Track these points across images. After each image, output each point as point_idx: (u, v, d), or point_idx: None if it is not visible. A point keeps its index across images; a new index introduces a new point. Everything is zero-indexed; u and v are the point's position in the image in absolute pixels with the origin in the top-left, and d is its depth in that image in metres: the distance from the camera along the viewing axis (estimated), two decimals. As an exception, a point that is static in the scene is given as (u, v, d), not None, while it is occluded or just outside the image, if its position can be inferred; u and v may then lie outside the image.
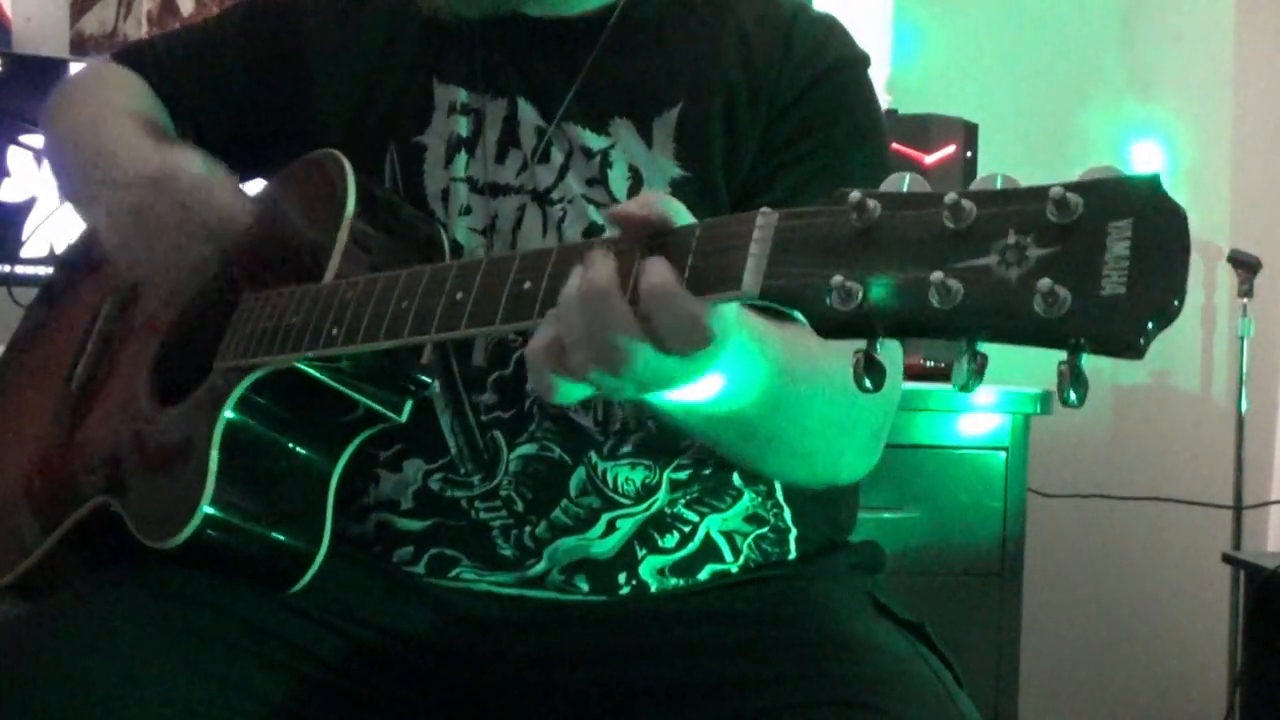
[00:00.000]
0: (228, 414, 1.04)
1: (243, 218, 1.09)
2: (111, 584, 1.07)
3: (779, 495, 1.15)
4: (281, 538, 1.06)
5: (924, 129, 2.40)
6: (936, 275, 0.63)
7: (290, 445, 1.07)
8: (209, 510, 1.02)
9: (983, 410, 2.23)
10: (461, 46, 1.17)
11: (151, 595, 1.05)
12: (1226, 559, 2.44)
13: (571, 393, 0.81)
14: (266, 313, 1.05)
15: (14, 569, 1.22)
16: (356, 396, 1.05)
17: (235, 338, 1.07)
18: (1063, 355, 0.62)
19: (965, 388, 0.65)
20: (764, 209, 0.73)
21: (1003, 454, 2.24)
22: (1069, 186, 0.62)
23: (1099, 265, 0.60)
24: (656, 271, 0.76)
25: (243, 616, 1.05)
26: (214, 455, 1.03)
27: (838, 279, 0.67)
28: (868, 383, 0.69)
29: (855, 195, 0.68)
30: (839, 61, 1.15)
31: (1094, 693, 2.83)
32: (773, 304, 0.71)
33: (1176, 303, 0.59)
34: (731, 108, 1.13)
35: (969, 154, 2.40)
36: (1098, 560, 2.83)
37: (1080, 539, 2.79)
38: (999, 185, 0.65)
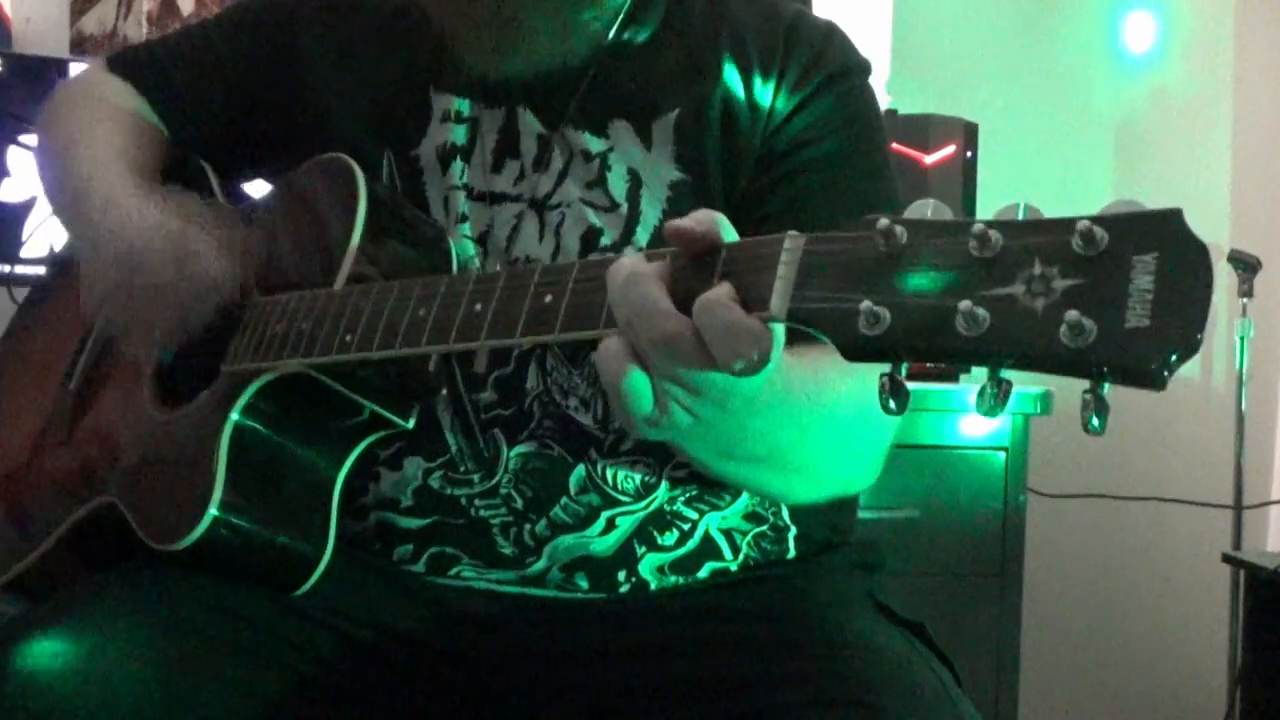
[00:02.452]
0: (236, 417, 1.04)
1: (218, 291, 1.08)
2: (110, 583, 1.07)
3: (776, 494, 1.15)
4: (287, 541, 1.06)
5: (924, 129, 2.39)
6: (965, 303, 0.64)
7: (297, 449, 1.07)
8: (216, 513, 1.02)
9: (983, 410, 2.22)
10: (459, 55, 1.16)
11: (150, 594, 1.05)
12: (1226, 559, 2.44)
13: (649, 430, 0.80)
14: (276, 316, 1.05)
15: (13, 567, 1.22)
16: (364, 402, 1.05)
17: (244, 341, 1.07)
18: (1084, 384, 0.63)
19: (990, 413, 0.66)
20: (791, 232, 0.74)
21: (1003, 454, 2.24)
22: (1094, 220, 0.63)
23: (1124, 298, 0.61)
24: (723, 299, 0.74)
25: (242, 616, 1.05)
26: (222, 458, 1.03)
27: (865, 304, 0.67)
28: (893, 405, 0.69)
29: (883, 222, 0.68)
30: (840, 70, 1.15)
31: (1094, 693, 2.83)
32: (799, 326, 0.72)
33: (1199, 336, 0.60)
34: (730, 113, 1.12)
35: (969, 154, 2.40)
36: (1098, 560, 2.83)
37: (1080, 539, 2.79)
38: (1022, 214, 0.67)
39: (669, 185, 1.11)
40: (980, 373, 0.67)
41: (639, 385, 0.77)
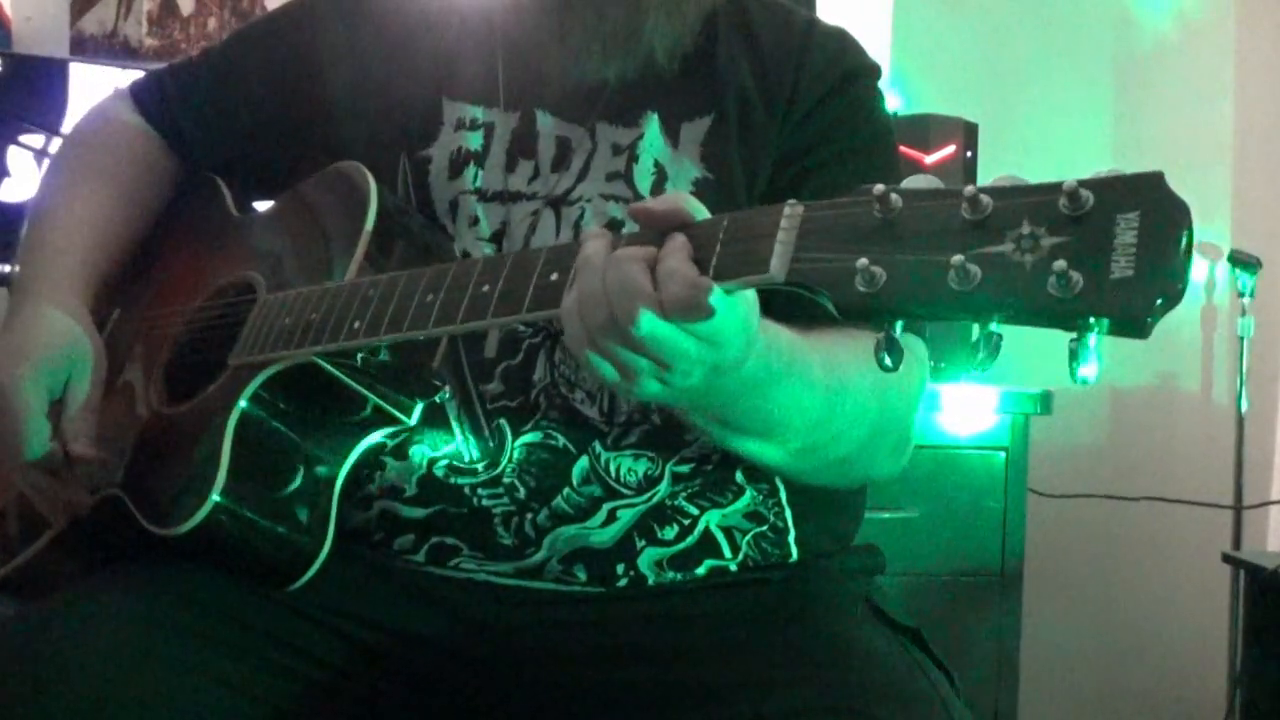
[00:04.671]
0: (243, 405, 1.05)
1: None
2: (112, 584, 1.08)
3: (781, 495, 1.15)
4: (287, 533, 1.06)
5: (924, 129, 2.40)
6: (956, 259, 0.67)
7: (301, 441, 1.08)
8: (219, 499, 1.02)
9: (983, 410, 2.23)
10: (475, 63, 1.18)
11: (152, 597, 1.05)
12: (1226, 559, 2.44)
13: (601, 366, 0.82)
14: (285, 310, 1.06)
15: (10, 564, 1.23)
16: (368, 396, 1.06)
17: (252, 335, 1.08)
18: (1072, 335, 0.66)
19: (981, 366, 0.69)
20: (790, 201, 0.77)
21: (1003, 454, 2.24)
22: (1081, 182, 0.66)
23: (1108, 251, 0.64)
24: (675, 252, 0.78)
25: (243, 618, 1.06)
26: (227, 445, 1.03)
27: (862, 262, 0.71)
28: (888, 360, 0.72)
29: (879, 189, 0.72)
30: (853, 72, 1.19)
31: (1094, 693, 2.83)
32: (798, 288, 0.74)
33: (1181, 285, 0.63)
34: (747, 116, 1.15)
35: (969, 154, 2.40)
36: (1098, 561, 2.83)
37: (1080, 539, 2.79)
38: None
39: (693, 182, 1.13)
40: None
41: (595, 360, 0.82)
